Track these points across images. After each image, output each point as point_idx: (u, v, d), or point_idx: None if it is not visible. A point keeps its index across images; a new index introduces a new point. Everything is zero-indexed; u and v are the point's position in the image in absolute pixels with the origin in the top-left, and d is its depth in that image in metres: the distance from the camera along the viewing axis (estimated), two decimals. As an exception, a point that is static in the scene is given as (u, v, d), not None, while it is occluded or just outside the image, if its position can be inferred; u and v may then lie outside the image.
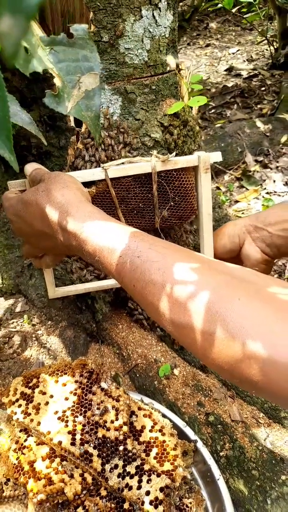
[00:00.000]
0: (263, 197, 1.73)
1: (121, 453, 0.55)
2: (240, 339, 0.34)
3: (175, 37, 0.73)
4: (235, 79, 2.94)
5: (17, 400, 0.60)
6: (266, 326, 0.34)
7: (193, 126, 0.79)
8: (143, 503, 0.51)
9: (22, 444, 0.57)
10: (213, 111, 2.53)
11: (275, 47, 2.96)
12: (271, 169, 1.88)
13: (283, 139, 2.01)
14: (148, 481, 0.53)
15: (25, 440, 0.57)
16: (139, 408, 0.62)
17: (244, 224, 0.68)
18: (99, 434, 0.56)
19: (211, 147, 1.94)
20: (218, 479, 0.59)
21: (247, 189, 1.81)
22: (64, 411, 0.58)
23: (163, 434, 0.59)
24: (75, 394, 0.60)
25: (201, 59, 3.55)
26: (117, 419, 0.58)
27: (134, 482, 0.53)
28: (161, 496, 0.52)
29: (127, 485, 0.53)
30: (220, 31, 4.14)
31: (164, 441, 0.58)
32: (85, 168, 0.69)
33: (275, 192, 1.75)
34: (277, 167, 1.88)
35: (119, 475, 0.54)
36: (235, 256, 0.70)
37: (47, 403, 0.59)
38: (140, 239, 0.45)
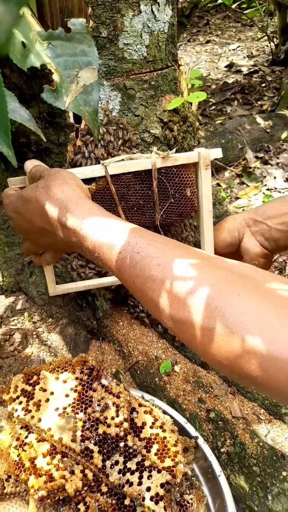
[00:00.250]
0: (263, 193, 1.73)
1: (121, 449, 0.55)
2: (239, 335, 0.34)
3: (174, 32, 0.73)
4: (236, 75, 2.93)
5: (17, 397, 0.60)
6: (265, 321, 0.33)
7: (193, 122, 0.78)
8: (143, 499, 0.51)
9: (23, 441, 0.57)
10: (213, 107, 2.53)
11: (276, 43, 2.95)
12: (271, 165, 1.87)
13: (284, 135, 2.00)
14: (149, 477, 0.53)
15: (26, 437, 0.57)
16: (140, 405, 0.62)
17: (244, 218, 0.68)
18: (100, 431, 0.56)
19: (212, 143, 1.93)
20: (219, 476, 0.59)
21: (247, 185, 1.81)
22: (64, 408, 0.58)
23: (164, 431, 0.59)
24: (75, 391, 0.60)
25: (201, 55, 3.54)
26: (117, 415, 0.58)
27: (134, 478, 0.53)
28: (161, 492, 0.52)
29: (127, 481, 0.53)
30: (220, 27, 4.12)
31: (165, 438, 0.58)
32: (85, 164, 0.69)
33: (275, 188, 1.75)
34: (277, 163, 1.87)
35: (119, 471, 0.54)
36: (235, 251, 0.70)
37: (47, 400, 0.59)
38: (139, 235, 0.45)
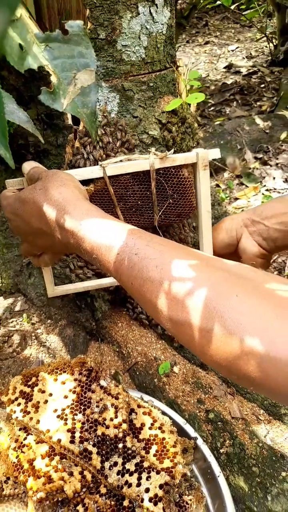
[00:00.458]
0: (262, 194, 1.73)
1: (120, 450, 0.55)
2: (238, 336, 0.34)
3: (173, 33, 0.73)
4: (235, 76, 2.94)
5: (16, 398, 0.60)
6: (264, 322, 0.33)
7: (192, 123, 0.79)
8: (142, 500, 0.51)
9: (21, 443, 0.57)
10: (212, 108, 2.53)
11: (275, 44, 2.95)
12: (270, 166, 1.87)
13: (283, 136, 2.00)
14: (148, 478, 0.53)
15: (25, 439, 0.57)
16: (139, 406, 0.62)
17: (242, 218, 0.68)
18: (99, 432, 0.56)
19: (210, 144, 1.93)
20: (218, 476, 0.59)
21: (246, 186, 1.81)
22: (63, 409, 0.58)
23: (163, 432, 0.59)
24: (74, 392, 0.60)
25: (200, 56, 3.54)
26: (116, 416, 0.58)
27: (133, 480, 0.53)
28: (160, 493, 0.52)
29: (126, 482, 0.53)
30: (219, 29, 4.13)
31: (163, 439, 0.58)
32: (83, 166, 0.69)
33: (274, 189, 1.75)
34: (276, 164, 1.87)
35: (118, 473, 0.54)
36: (233, 251, 0.70)
37: (46, 401, 0.59)
38: (137, 236, 0.45)
